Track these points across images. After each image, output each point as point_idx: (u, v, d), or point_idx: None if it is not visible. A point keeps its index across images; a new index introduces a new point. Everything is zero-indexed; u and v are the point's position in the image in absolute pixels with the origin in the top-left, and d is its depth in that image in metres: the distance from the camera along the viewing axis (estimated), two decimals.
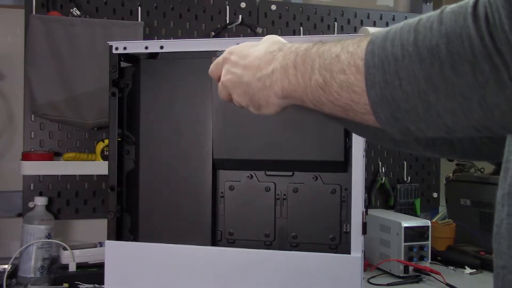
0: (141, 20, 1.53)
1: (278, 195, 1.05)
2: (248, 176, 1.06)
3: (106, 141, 1.43)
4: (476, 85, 0.36)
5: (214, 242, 1.06)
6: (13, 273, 1.33)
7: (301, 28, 1.68)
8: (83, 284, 1.26)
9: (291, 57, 0.52)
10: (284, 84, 0.52)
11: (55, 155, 1.46)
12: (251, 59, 0.58)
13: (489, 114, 0.37)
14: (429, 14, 0.40)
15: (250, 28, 1.61)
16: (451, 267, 1.53)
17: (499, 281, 0.55)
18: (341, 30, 1.72)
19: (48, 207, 1.44)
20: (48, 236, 1.35)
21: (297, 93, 0.51)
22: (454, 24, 0.37)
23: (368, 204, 1.07)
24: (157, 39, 1.52)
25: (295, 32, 1.67)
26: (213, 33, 1.59)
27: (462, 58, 0.37)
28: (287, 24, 1.67)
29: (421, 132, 0.43)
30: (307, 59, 0.50)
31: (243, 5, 1.63)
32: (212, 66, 0.65)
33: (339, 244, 1.01)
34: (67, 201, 1.50)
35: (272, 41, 0.59)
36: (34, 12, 1.43)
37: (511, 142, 0.54)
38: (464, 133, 0.42)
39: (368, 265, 1.47)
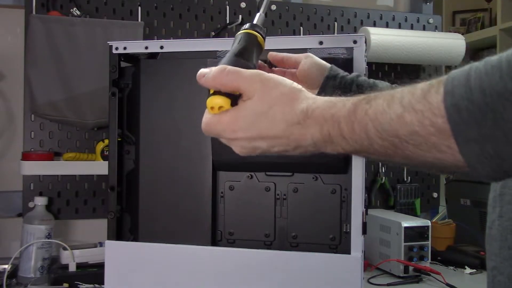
0: (141, 20, 1.53)
1: (278, 195, 1.05)
2: (248, 176, 1.06)
3: (106, 141, 1.43)
4: None
5: (214, 242, 1.06)
6: (13, 273, 1.33)
7: (301, 28, 1.68)
8: (83, 284, 1.26)
9: (332, 127, 0.46)
10: (338, 150, 0.47)
11: (55, 155, 1.46)
12: (273, 136, 0.50)
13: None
14: None
15: None
16: (451, 267, 1.53)
17: (490, 283, 0.55)
18: (341, 30, 1.72)
19: (48, 207, 1.44)
20: (48, 236, 1.35)
21: (359, 154, 0.47)
22: None
23: (368, 204, 1.07)
24: (157, 39, 1.52)
25: (295, 32, 1.68)
26: (213, 33, 1.59)
27: None
28: (287, 24, 1.67)
29: None
30: (355, 126, 0.44)
31: (243, 5, 1.63)
32: (205, 129, 0.54)
33: (339, 244, 1.01)
34: (67, 201, 1.50)
35: (283, 101, 0.49)
36: (34, 12, 1.43)
37: None
38: None
39: (368, 265, 1.47)
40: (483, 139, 0.37)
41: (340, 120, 0.45)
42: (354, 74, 0.74)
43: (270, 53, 0.83)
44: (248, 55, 0.57)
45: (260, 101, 0.49)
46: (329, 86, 0.70)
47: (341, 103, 0.46)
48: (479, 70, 0.39)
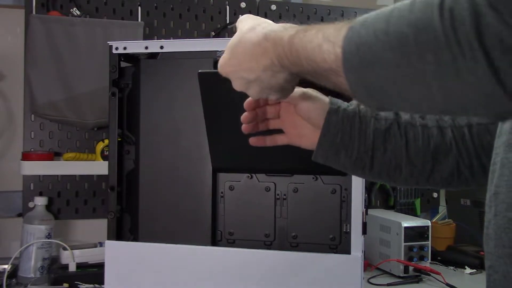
0: (141, 20, 1.53)
1: (278, 195, 1.05)
2: (248, 176, 1.06)
3: (106, 141, 1.43)
4: (438, 73, 0.39)
5: (214, 242, 1.06)
6: (13, 273, 1.33)
7: None
8: (83, 284, 1.26)
9: (280, 49, 0.55)
10: (289, 69, 0.56)
11: (55, 155, 1.46)
12: (243, 58, 0.60)
13: (448, 99, 0.41)
14: (404, 3, 0.42)
15: None
16: (451, 267, 1.53)
17: (487, 282, 0.55)
18: None
19: (48, 207, 1.44)
20: (48, 236, 1.35)
21: (300, 74, 0.55)
22: (422, 15, 0.39)
23: (368, 204, 1.07)
24: (157, 39, 1.52)
25: None
26: (213, 33, 1.59)
27: (427, 48, 0.39)
28: None
29: (395, 109, 0.47)
30: (292, 51, 0.53)
31: (243, 5, 1.63)
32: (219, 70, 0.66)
33: (339, 244, 1.01)
34: (67, 201, 1.50)
35: (249, 27, 0.60)
36: (34, 12, 1.43)
37: (498, 145, 0.54)
38: (432, 114, 0.46)
39: (368, 265, 1.47)
40: (361, 68, 0.45)
41: (284, 44, 0.54)
42: (354, 104, 0.71)
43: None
44: None
45: (235, 36, 0.61)
46: (332, 123, 0.67)
47: (289, 30, 0.55)
48: (377, 13, 0.45)
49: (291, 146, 0.75)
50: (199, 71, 0.82)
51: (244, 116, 0.71)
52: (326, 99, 0.70)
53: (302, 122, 0.71)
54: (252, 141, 0.74)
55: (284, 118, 0.73)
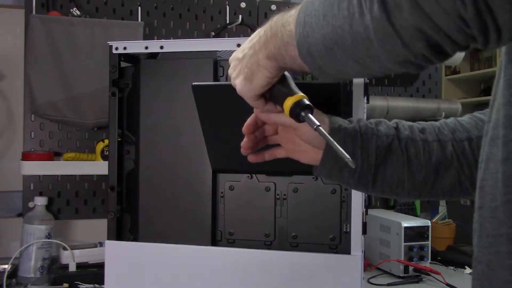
0: (141, 20, 1.53)
1: (278, 195, 1.05)
2: (248, 176, 1.06)
3: (106, 141, 1.43)
4: (348, 17, 0.46)
5: (214, 242, 1.06)
6: (13, 273, 1.33)
7: None
8: (83, 284, 1.26)
9: (268, 28, 0.60)
10: (269, 47, 0.60)
11: (55, 155, 1.46)
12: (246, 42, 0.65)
13: (355, 42, 0.47)
14: None
15: (250, 28, 1.61)
16: (451, 267, 1.53)
17: (473, 275, 0.56)
18: None
19: (48, 207, 1.44)
20: (48, 236, 1.35)
21: (274, 54, 0.59)
22: None
23: (368, 204, 1.06)
24: (157, 39, 1.52)
25: None
26: (213, 33, 1.59)
27: None
28: None
29: (325, 66, 0.53)
30: (273, 27, 0.59)
31: (243, 5, 1.63)
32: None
33: (339, 244, 1.01)
34: (67, 201, 1.50)
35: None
36: (34, 12, 1.43)
37: (484, 143, 0.55)
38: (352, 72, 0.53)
39: (368, 265, 1.47)
40: (304, 23, 0.52)
41: (271, 23, 0.60)
42: (354, 121, 0.70)
43: (259, 114, 0.72)
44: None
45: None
46: (334, 154, 0.66)
47: (280, 14, 0.60)
48: None
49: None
50: (193, 84, 0.82)
51: (244, 143, 0.72)
52: (325, 118, 0.69)
53: (301, 140, 0.71)
54: (251, 158, 0.74)
55: (282, 135, 0.74)
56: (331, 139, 0.60)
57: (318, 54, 0.52)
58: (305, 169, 0.75)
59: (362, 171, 0.68)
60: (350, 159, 0.57)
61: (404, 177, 0.69)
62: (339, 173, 0.69)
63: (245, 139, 0.72)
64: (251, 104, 0.66)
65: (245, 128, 0.71)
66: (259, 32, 0.63)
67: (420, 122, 0.74)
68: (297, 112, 0.61)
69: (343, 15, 0.47)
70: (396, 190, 0.70)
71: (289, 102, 0.62)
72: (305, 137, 0.70)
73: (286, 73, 0.65)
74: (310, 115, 0.61)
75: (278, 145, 0.75)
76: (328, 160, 0.69)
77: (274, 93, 0.64)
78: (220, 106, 0.84)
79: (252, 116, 0.72)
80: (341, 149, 0.58)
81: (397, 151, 0.69)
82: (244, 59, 0.63)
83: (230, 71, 0.67)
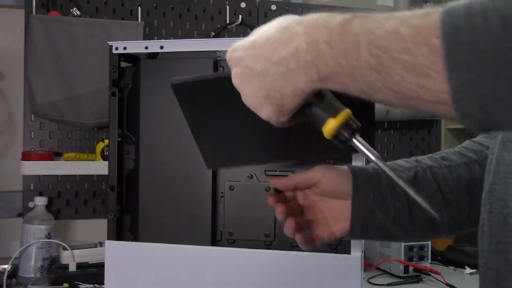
0: (141, 20, 1.53)
1: None
2: (248, 176, 1.06)
3: (106, 141, 1.43)
4: None
5: (214, 242, 1.06)
6: (13, 273, 1.33)
7: None
8: (83, 284, 1.26)
9: (321, 33, 0.42)
10: (320, 66, 0.42)
11: (55, 155, 1.46)
12: (261, 43, 0.47)
13: None
14: None
15: (250, 28, 1.61)
16: (451, 267, 1.53)
17: (480, 280, 0.56)
18: None
19: (48, 207, 1.44)
20: (48, 236, 1.35)
21: (339, 77, 0.41)
22: None
23: None
24: (157, 39, 1.52)
25: None
26: (213, 33, 1.59)
27: None
28: None
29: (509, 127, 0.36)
30: (347, 35, 0.40)
31: (243, 5, 1.63)
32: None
33: (339, 244, 1.01)
34: (67, 201, 1.50)
35: (282, 19, 0.49)
36: (34, 12, 1.43)
37: (493, 145, 0.55)
38: None
39: (368, 265, 1.47)
40: (476, 67, 0.33)
41: (332, 27, 0.42)
42: (372, 165, 0.65)
43: (276, 181, 0.69)
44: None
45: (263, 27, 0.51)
46: (361, 185, 0.62)
47: (341, 15, 0.44)
48: None
49: (288, 139, 0.72)
50: (172, 80, 0.74)
51: (287, 228, 0.67)
52: (345, 168, 0.65)
53: (322, 203, 0.66)
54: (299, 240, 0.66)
55: (305, 204, 0.69)
56: (400, 176, 0.46)
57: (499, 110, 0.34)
58: (309, 159, 0.73)
59: (396, 211, 0.64)
60: (430, 207, 0.45)
61: (440, 206, 0.64)
62: (372, 215, 0.63)
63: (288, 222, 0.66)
64: (276, 125, 0.52)
65: (278, 213, 0.66)
66: (290, 39, 0.44)
67: (437, 152, 0.70)
68: (346, 138, 0.48)
69: None
70: (435, 223, 0.64)
71: (331, 125, 0.48)
72: (333, 186, 0.63)
73: None
74: (361, 140, 0.48)
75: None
76: (357, 203, 0.62)
77: (307, 112, 0.50)
78: (204, 101, 0.75)
79: (271, 198, 0.67)
80: (417, 195, 0.45)
81: (424, 182, 0.65)
82: (266, 77, 0.46)
83: (235, 80, 0.51)
